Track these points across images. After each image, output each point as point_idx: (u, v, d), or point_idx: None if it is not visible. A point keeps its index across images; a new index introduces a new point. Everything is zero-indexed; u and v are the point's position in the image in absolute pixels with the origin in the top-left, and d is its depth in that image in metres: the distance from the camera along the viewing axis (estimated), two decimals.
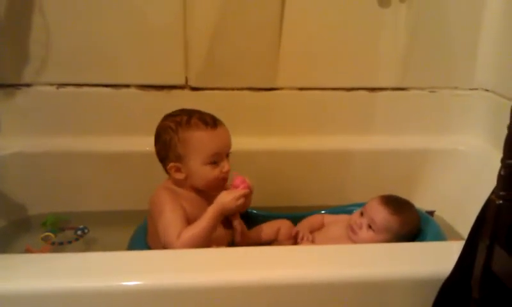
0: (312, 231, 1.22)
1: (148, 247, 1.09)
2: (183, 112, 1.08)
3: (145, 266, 0.85)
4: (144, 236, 1.12)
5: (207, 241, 1.00)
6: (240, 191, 1.03)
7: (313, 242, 1.20)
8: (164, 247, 1.00)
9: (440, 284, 0.83)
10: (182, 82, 1.34)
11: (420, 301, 0.86)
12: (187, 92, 1.34)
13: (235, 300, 0.84)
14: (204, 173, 1.05)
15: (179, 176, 1.06)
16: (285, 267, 0.87)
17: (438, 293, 0.84)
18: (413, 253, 0.94)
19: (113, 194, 1.34)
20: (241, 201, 1.02)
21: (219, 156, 1.06)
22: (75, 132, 1.33)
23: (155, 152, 1.09)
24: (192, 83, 1.34)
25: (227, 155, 1.08)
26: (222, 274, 0.85)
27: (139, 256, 0.91)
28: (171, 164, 1.06)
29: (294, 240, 1.21)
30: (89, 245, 1.23)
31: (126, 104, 1.34)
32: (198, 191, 1.09)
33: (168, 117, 1.09)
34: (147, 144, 1.28)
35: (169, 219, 1.01)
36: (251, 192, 1.06)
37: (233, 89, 1.36)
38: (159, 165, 1.26)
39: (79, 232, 1.23)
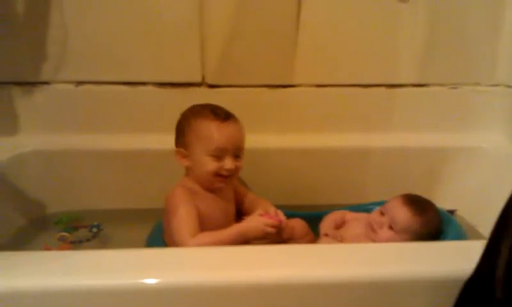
0: (336, 228, 1.21)
1: (165, 245, 1.09)
2: (202, 104, 1.09)
3: (163, 263, 0.85)
4: (161, 234, 1.12)
5: None
6: (272, 220, 1.01)
7: (340, 239, 1.18)
8: (177, 245, 0.99)
9: (461, 285, 0.82)
10: (198, 79, 1.33)
11: (441, 301, 0.85)
12: (204, 89, 1.34)
13: (253, 299, 0.84)
14: (204, 163, 1.04)
15: (184, 162, 1.07)
16: (303, 266, 0.86)
17: (460, 294, 0.83)
18: (433, 253, 0.92)
19: (130, 192, 1.34)
20: (269, 229, 1.00)
21: (224, 151, 1.04)
22: (93, 130, 1.33)
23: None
24: (209, 80, 1.33)
25: (237, 155, 1.06)
26: (240, 272, 0.84)
27: (157, 253, 0.91)
28: (177, 149, 1.07)
29: (309, 240, 1.19)
30: (106, 244, 1.22)
31: (143, 102, 1.34)
32: (213, 191, 1.08)
33: (188, 108, 1.10)
34: (164, 142, 1.28)
35: (183, 217, 1.01)
36: (281, 226, 1.04)
37: (250, 86, 1.34)
38: (175, 164, 1.26)
39: (94, 229, 1.24)
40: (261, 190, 1.25)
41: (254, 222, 1.01)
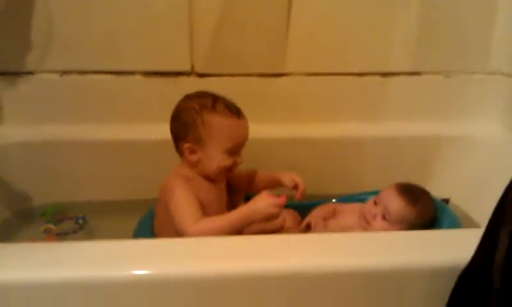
0: (324, 220, 1.19)
1: (155, 237, 1.07)
2: (207, 94, 1.06)
3: (154, 254, 0.83)
4: (150, 225, 1.10)
5: None
6: (280, 199, 0.97)
7: (326, 230, 1.16)
8: (178, 233, 0.97)
9: (457, 274, 0.80)
10: (187, 68, 1.31)
11: (437, 291, 0.83)
12: (193, 79, 1.31)
13: (245, 290, 0.82)
14: (219, 160, 1.04)
15: (193, 157, 1.04)
16: (295, 256, 0.84)
17: (456, 283, 0.80)
18: (429, 241, 0.90)
19: (117, 184, 1.31)
20: (276, 210, 0.96)
21: (239, 147, 1.05)
22: (78, 121, 1.30)
23: (171, 130, 1.07)
24: (198, 69, 1.31)
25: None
26: (231, 263, 0.82)
27: (148, 244, 0.88)
28: (188, 145, 1.04)
29: (304, 229, 1.17)
30: (92, 236, 1.20)
31: (130, 91, 1.31)
32: (208, 178, 1.07)
33: (190, 97, 1.06)
34: (152, 132, 1.29)
35: (184, 205, 0.99)
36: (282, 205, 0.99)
37: (240, 75, 1.32)
38: (164, 154, 1.23)
39: (80, 221, 1.22)
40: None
41: (260, 203, 0.97)
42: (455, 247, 0.87)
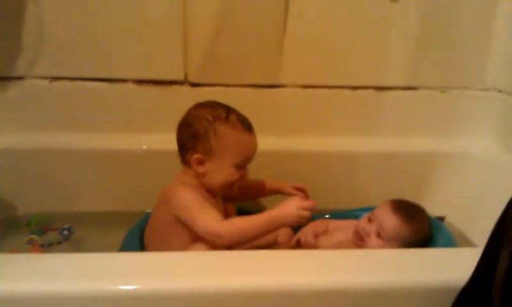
0: (315, 237, 1.16)
1: (144, 249, 1.05)
2: (219, 105, 1.04)
3: (143, 269, 0.80)
4: (139, 238, 1.07)
5: (249, 241, 0.97)
6: (310, 202, 0.96)
7: (316, 247, 1.13)
8: (206, 236, 0.94)
9: (454, 294, 0.78)
10: (181, 77, 1.28)
11: None
12: (186, 88, 1.29)
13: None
14: (228, 174, 1.01)
15: (200, 169, 1.01)
16: (285, 273, 0.81)
17: (454, 304, 0.78)
18: (424, 260, 0.88)
19: (105, 194, 1.28)
20: (307, 213, 0.94)
21: (247, 162, 1.04)
22: (68, 128, 1.27)
23: (178, 139, 1.04)
24: (191, 79, 1.28)
25: None
26: (220, 279, 0.79)
27: (136, 257, 0.85)
28: (197, 156, 1.00)
29: (295, 245, 1.15)
30: (77, 248, 1.18)
31: (122, 100, 1.28)
32: (209, 190, 1.04)
33: (202, 107, 1.04)
34: (143, 142, 1.27)
35: (203, 207, 0.96)
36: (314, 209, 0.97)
37: (234, 85, 1.30)
38: (155, 165, 1.22)
39: (65, 232, 1.19)
40: None
41: (289, 207, 0.95)
42: (451, 267, 0.85)
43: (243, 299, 0.78)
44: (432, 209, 1.23)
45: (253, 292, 0.78)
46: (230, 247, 0.96)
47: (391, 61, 1.33)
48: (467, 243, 1.23)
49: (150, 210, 1.08)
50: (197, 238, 0.97)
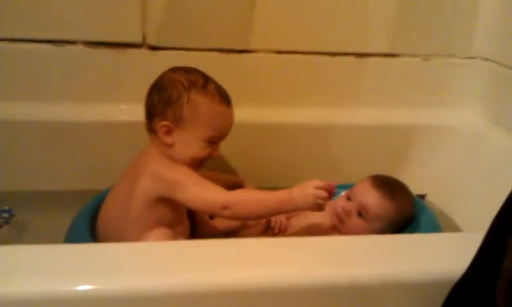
0: (288, 218, 1.06)
1: (94, 238, 0.93)
2: (198, 72, 0.96)
3: (101, 265, 0.68)
4: (88, 221, 0.96)
5: (256, 218, 0.93)
6: (330, 185, 0.87)
7: (288, 230, 1.03)
8: (206, 209, 0.92)
9: (447, 288, 0.69)
10: (138, 39, 1.16)
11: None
12: (144, 51, 1.16)
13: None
14: (196, 149, 0.93)
15: (167, 139, 0.92)
16: (253, 266, 0.71)
17: (447, 299, 0.69)
18: (413, 248, 0.79)
19: (50, 171, 1.15)
20: (325, 195, 0.86)
21: (220, 138, 0.96)
22: (7, 97, 1.12)
23: (146, 102, 0.95)
24: (150, 41, 1.16)
25: None
26: (175, 276, 0.68)
27: (92, 250, 0.73)
28: (164, 123, 0.91)
29: (265, 228, 1.05)
30: (20, 233, 1.08)
31: (71, 64, 1.15)
32: None
33: (179, 70, 0.95)
34: (94, 112, 1.15)
35: (201, 181, 0.89)
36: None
37: (199, 49, 1.18)
38: (109, 138, 1.12)
39: (5, 214, 1.07)
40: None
41: (307, 188, 0.87)
42: (444, 256, 0.76)
43: (207, 299, 0.68)
44: (413, 186, 1.15)
45: (219, 291, 0.67)
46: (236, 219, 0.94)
47: (372, 25, 1.23)
48: (449, 224, 1.17)
49: (105, 189, 0.99)
50: (157, 224, 0.89)
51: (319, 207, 0.87)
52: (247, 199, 0.89)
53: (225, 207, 0.86)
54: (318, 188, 0.86)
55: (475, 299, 0.66)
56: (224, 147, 0.99)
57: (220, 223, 1.05)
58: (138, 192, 0.90)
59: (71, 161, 1.15)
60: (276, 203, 0.88)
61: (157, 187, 0.89)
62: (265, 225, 1.05)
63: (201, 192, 0.88)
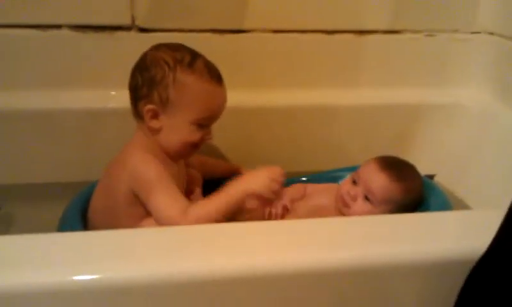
0: (292, 202, 1.01)
1: (86, 227, 0.89)
2: (184, 48, 0.89)
3: (100, 253, 0.63)
4: (79, 212, 0.91)
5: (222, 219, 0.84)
6: (279, 170, 0.85)
7: (292, 213, 0.98)
8: (162, 223, 0.81)
9: (464, 266, 0.65)
10: (127, 21, 1.11)
11: (443, 288, 0.67)
12: (134, 34, 1.11)
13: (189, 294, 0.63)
14: (185, 133, 0.87)
15: (154, 124, 0.86)
16: (257, 251, 0.65)
17: (468, 279, 0.65)
18: (427, 227, 0.73)
19: (38, 163, 1.10)
20: (275, 185, 0.84)
21: (212, 120, 0.90)
22: None
23: (130, 85, 0.89)
24: (140, 23, 1.11)
25: None
26: (175, 261, 0.63)
27: (90, 238, 0.69)
28: (150, 106, 0.85)
29: (265, 216, 0.99)
30: (8, 226, 1.05)
31: (56, 49, 1.10)
32: (176, 160, 0.91)
33: (163, 48, 0.88)
34: (85, 99, 1.11)
35: (166, 190, 0.82)
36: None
37: (192, 30, 1.13)
38: (99, 127, 1.09)
39: None
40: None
41: (260, 179, 0.84)
42: (463, 233, 0.71)
43: (206, 286, 0.63)
44: (420, 167, 1.11)
45: (219, 278, 0.62)
46: None
47: (372, 1, 1.18)
48: (459, 204, 1.12)
49: (95, 180, 0.93)
50: (149, 214, 0.84)
51: (270, 198, 0.85)
52: (206, 214, 0.81)
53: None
54: (271, 177, 0.84)
55: (499, 277, 0.62)
56: (218, 132, 0.94)
57: None
58: (121, 185, 0.85)
59: (59, 152, 1.10)
60: (234, 206, 0.83)
61: (131, 185, 0.84)
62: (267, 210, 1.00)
63: (164, 207, 0.82)
